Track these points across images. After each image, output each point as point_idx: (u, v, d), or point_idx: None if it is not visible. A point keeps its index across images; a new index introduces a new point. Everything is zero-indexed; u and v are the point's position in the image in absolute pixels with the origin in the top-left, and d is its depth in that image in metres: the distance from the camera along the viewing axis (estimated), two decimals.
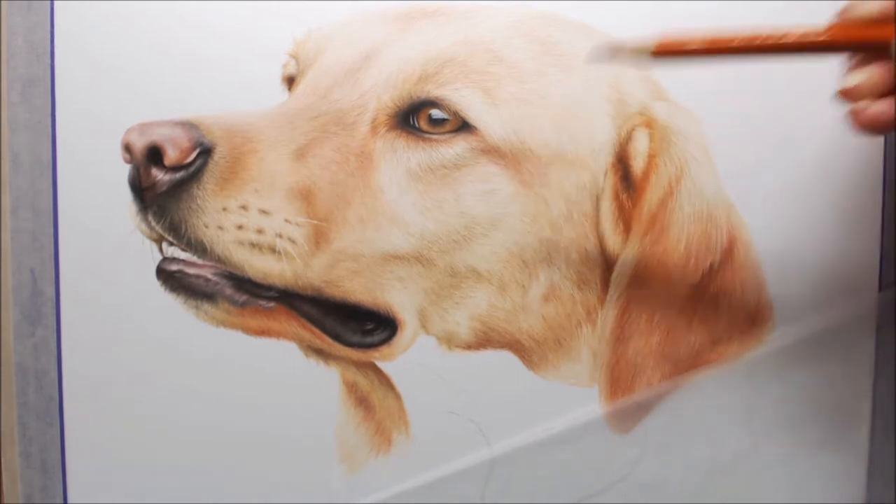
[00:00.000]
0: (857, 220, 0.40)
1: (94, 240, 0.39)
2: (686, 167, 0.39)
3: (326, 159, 0.37)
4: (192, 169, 0.36)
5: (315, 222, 0.37)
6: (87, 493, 0.39)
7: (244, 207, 0.36)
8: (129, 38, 0.38)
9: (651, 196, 0.38)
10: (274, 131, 0.37)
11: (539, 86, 0.38)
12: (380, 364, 0.40)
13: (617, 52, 0.33)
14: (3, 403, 0.39)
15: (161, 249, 0.38)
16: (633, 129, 0.38)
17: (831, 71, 0.40)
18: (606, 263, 0.39)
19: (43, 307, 0.39)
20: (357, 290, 0.38)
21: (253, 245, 0.36)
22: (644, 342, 0.39)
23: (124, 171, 0.38)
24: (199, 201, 0.36)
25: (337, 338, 0.39)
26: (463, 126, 0.37)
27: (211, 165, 0.36)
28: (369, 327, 0.39)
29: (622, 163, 0.38)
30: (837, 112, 0.40)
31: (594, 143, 0.38)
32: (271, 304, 0.38)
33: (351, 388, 0.40)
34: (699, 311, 0.39)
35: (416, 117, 0.38)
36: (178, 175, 0.36)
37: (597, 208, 0.38)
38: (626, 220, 0.39)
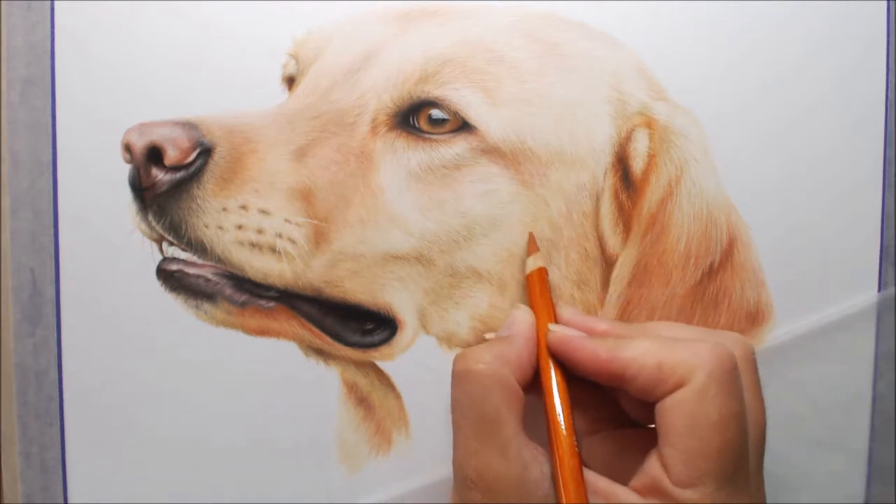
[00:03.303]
0: (857, 220, 0.40)
1: (94, 240, 0.39)
2: (686, 167, 0.39)
3: (326, 159, 0.37)
4: (192, 169, 0.36)
5: (315, 222, 0.37)
6: (87, 493, 0.39)
7: (244, 207, 0.36)
8: (129, 38, 0.38)
9: (651, 196, 0.38)
10: (274, 131, 0.37)
11: (539, 86, 0.38)
12: (380, 364, 0.40)
13: None
14: (3, 403, 0.39)
15: (161, 249, 0.38)
16: (633, 130, 0.38)
17: (832, 70, 0.40)
18: (606, 263, 0.39)
19: (43, 307, 0.39)
20: (357, 290, 0.38)
21: (253, 245, 0.36)
22: None
23: (124, 171, 0.38)
24: (199, 201, 0.36)
25: (337, 337, 0.39)
26: (463, 126, 0.37)
27: (211, 165, 0.36)
28: (369, 327, 0.39)
29: (622, 163, 0.38)
30: (838, 111, 0.40)
31: (594, 143, 0.38)
32: (271, 304, 0.38)
33: (351, 388, 0.40)
34: (699, 311, 0.39)
35: (416, 117, 0.38)
36: (178, 175, 0.36)
37: (596, 208, 0.39)
38: (625, 220, 0.39)
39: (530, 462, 0.31)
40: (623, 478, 0.31)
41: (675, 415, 0.30)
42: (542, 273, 0.36)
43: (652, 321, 0.38)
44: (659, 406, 0.31)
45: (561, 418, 0.32)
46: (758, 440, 0.32)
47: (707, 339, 0.33)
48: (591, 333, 0.34)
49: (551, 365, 0.33)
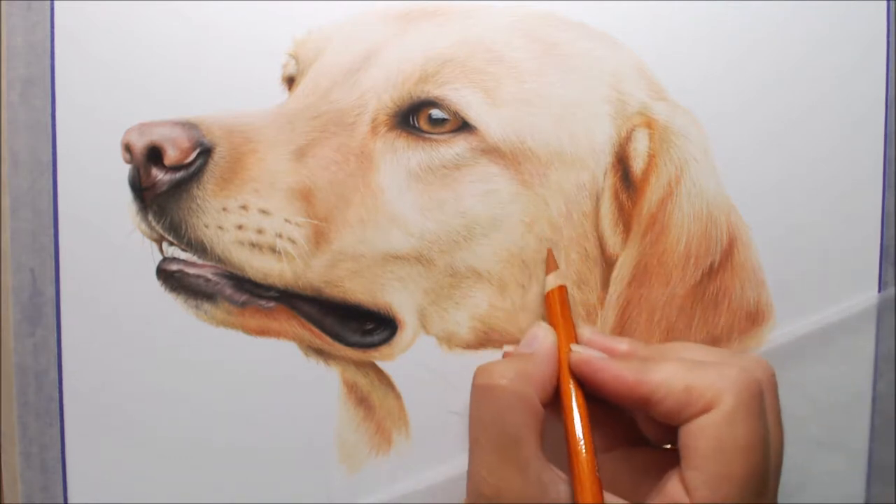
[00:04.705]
0: (857, 220, 0.40)
1: (94, 240, 0.39)
2: (686, 167, 0.39)
3: (326, 159, 0.37)
4: (192, 169, 0.36)
5: (315, 222, 0.37)
6: (87, 493, 0.39)
7: (244, 207, 0.36)
8: (129, 38, 0.38)
9: (651, 196, 0.38)
10: (274, 131, 0.37)
11: (539, 86, 0.38)
12: (380, 364, 0.40)
13: None
14: (3, 403, 0.39)
15: (161, 249, 0.38)
16: (633, 130, 0.38)
17: (832, 70, 0.40)
18: (606, 263, 0.39)
19: (43, 307, 0.39)
20: (357, 290, 0.38)
21: (253, 245, 0.36)
22: None
23: (124, 171, 0.38)
24: (198, 201, 0.36)
25: (337, 337, 0.39)
26: (463, 126, 0.37)
27: (211, 165, 0.36)
28: (369, 327, 0.39)
29: (622, 163, 0.38)
30: (838, 111, 0.40)
31: (594, 143, 0.38)
32: (271, 304, 0.38)
33: (351, 388, 0.40)
34: (699, 311, 0.39)
35: (416, 117, 0.38)
36: (178, 175, 0.36)
37: (596, 208, 0.39)
38: (625, 220, 0.39)
39: (549, 484, 0.30)
40: (637, 496, 0.31)
41: (701, 438, 0.30)
42: (563, 291, 0.36)
43: (671, 342, 0.38)
44: (683, 429, 0.30)
45: (582, 443, 0.31)
46: (777, 465, 0.32)
47: (731, 361, 0.32)
48: (611, 354, 0.34)
49: (572, 386, 0.33)
